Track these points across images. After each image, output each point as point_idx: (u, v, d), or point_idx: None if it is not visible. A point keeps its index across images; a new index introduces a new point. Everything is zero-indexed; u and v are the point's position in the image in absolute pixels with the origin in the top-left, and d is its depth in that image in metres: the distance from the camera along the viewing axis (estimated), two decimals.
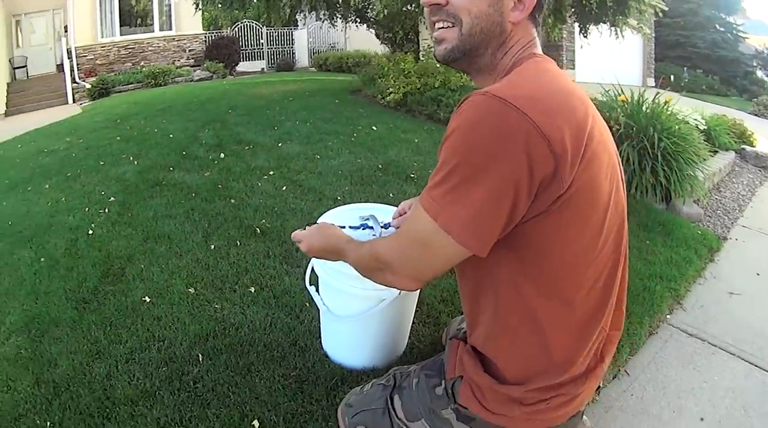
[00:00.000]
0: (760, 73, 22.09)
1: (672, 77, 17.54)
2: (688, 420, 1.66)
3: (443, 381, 1.08)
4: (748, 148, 5.73)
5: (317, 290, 1.57)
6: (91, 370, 1.66)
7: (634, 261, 2.57)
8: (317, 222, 1.34)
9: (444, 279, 2.14)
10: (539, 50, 0.96)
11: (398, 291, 1.41)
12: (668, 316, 2.26)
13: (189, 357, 1.69)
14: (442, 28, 0.95)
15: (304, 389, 1.54)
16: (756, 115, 12.19)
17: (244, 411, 1.46)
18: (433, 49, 1.06)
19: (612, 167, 0.91)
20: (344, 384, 1.52)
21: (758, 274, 2.79)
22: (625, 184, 1.00)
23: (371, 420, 1.16)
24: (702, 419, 1.67)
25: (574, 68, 14.65)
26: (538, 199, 0.80)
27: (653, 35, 17.57)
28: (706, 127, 5.19)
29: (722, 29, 21.49)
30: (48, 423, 1.45)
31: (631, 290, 2.23)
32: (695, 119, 5.21)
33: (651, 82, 17.10)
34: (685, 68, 19.23)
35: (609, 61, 13.25)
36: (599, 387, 1.67)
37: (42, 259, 2.50)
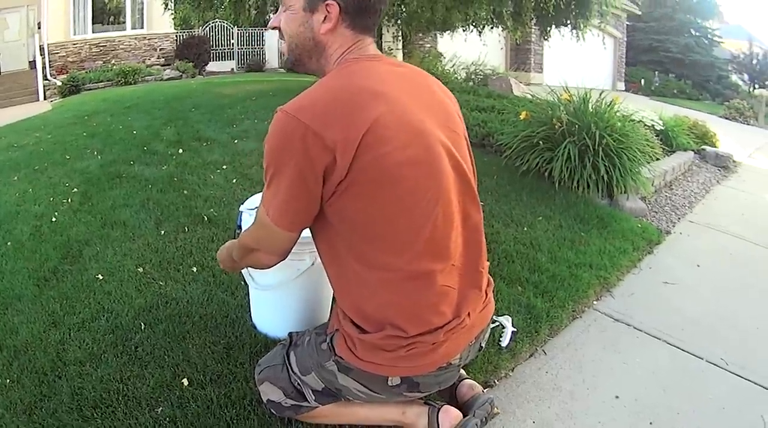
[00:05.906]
0: (734, 77, 22.10)
1: (642, 81, 17.81)
2: (602, 397, 1.70)
3: (327, 337, 1.25)
4: (708, 148, 5.82)
5: None
6: (47, 337, 1.83)
7: (565, 250, 2.70)
8: (241, 207, 1.63)
9: None
10: (366, 50, 1.15)
11: (311, 261, 1.58)
12: (595, 302, 2.33)
13: (133, 326, 1.87)
14: (283, 43, 1.18)
15: (231, 354, 1.72)
16: (727, 118, 11.97)
17: (177, 371, 1.63)
18: None
19: (422, 144, 1.06)
20: (266, 351, 1.65)
21: (698, 266, 2.86)
22: (455, 157, 1.14)
23: (273, 374, 1.33)
24: (617, 397, 1.70)
25: (542, 71, 14.74)
26: (327, 184, 1.02)
27: (625, 39, 17.76)
28: (663, 128, 5.29)
29: (697, 34, 21.57)
30: (8, 381, 1.62)
31: (556, 275, 2.40)
32: (652, 120, 5.32)
33: (621, 85, 17.40)
34: (656, 72, 19.41)
35: (579, 64, 13.32)
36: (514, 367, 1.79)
37: (8, 243, 2.64)
